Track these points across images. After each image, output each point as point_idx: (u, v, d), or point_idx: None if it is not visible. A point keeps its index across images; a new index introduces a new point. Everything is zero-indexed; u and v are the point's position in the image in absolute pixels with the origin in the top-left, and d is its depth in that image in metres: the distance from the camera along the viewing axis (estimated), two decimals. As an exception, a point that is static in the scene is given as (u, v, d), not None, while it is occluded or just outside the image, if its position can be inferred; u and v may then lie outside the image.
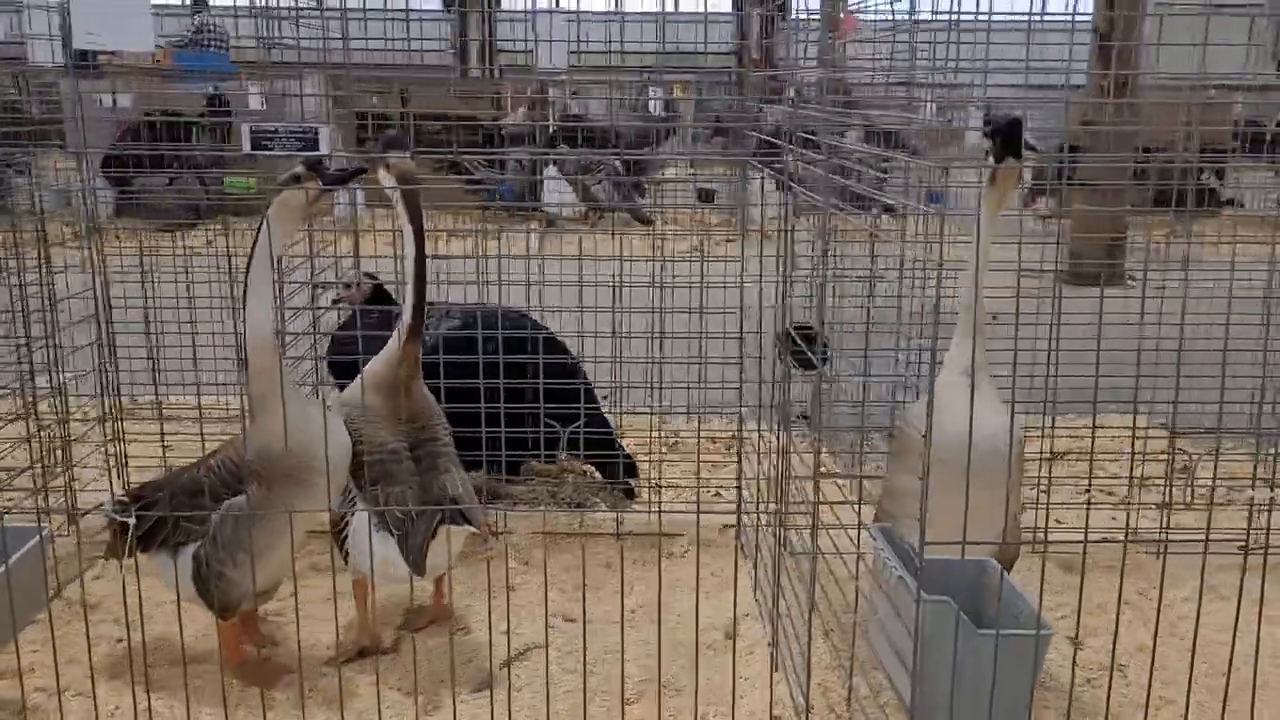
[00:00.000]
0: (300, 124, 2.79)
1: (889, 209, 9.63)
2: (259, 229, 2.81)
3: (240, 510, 2.87)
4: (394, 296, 4.08)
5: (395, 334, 3.25)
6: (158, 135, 7.72)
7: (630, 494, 4.34)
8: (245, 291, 2.83)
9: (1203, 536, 2.47)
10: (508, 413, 3.61)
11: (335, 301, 4.17)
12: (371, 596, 3.30)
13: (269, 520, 2.86)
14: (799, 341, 4.58)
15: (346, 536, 3.17)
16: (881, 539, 2.64)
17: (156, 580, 3.06)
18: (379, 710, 2.80)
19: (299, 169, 2.85)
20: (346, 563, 3.22)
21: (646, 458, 4.43)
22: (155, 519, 2.94)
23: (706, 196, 9.98)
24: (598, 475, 4.47)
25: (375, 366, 3.28)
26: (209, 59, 13.19)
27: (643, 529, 4.05)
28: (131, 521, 2.95)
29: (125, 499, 3.04)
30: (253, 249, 2.83)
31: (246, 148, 2.81)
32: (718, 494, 4.32)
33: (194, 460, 3.13)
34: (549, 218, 9.67)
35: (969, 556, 2.57)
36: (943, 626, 2.37)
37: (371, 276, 4.16)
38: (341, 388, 4.24)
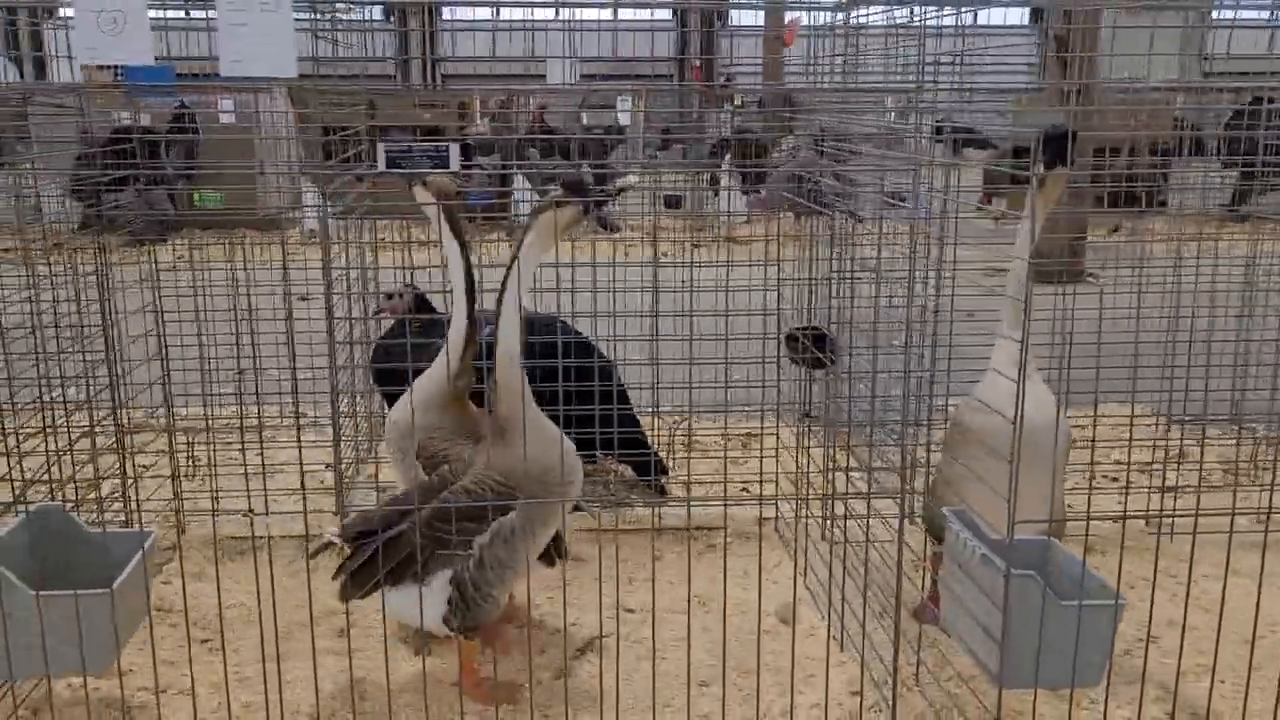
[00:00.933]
0: (433, 143, 2.94)
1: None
2: (516, 249, 2.88)
3: (512, 528, 2.89)
4: (435, 307, 4.23)
5: (446, 350, 3.30)
6: (123, 152, 7.68)
7: (662, 491, 4.53)
8: (499, 312, 2.87)
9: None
10: (551, 416, 3.78)
11: (377, 312, 4.29)
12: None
13: (533, 538, 2.95)
14: (806, 343, 4.82)
15: None
16: (958, 521, 2.84)
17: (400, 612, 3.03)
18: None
19: (560, 191, 2.90)
20: None
21: (687, 454, 4.62)
22: (406, 553, 2.85)
23: (673, 203, 10.18)
24: (628, 474, 4.65)
25: (431, 386, 3.34)
26: (157, 72, 13.07)
27: (682, 523, 4.24)
28: (337, 542, 2.93)
29: (355, 533, 2.95)
30: (509, 268, 2.88)
31: (382, 165, 2.95)
32: (745, 489, 4.51)
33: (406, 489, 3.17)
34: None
35: (1025, 535, 2.81)
36: (1029, 600, 2.57)
37: (413, 287, 4.29)
38: (386, 395, 4.37)
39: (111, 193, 3.98)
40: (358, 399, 4.58)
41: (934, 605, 3.50)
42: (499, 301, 2.88)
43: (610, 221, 10.76)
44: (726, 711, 2.97)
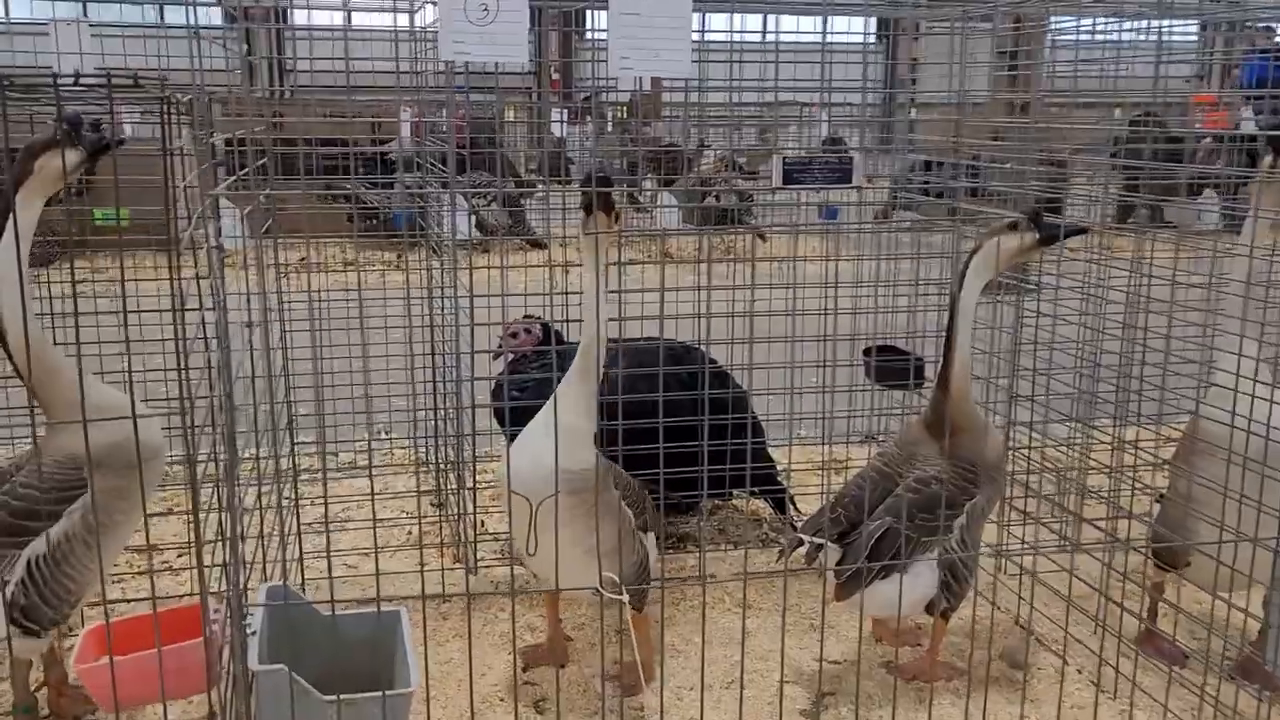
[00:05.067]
0: (835, 157, 2.66)
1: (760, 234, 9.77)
2: (960, 274, 3.03)
3: (981, 510, 3.16)
4: (563, 338, 3.91)
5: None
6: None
7: (794, 527, 4.32)
8: (951, 335, 3.10)
9: None
10: (692, 451, 3.55)
11: (498, 352, 3.92)
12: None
13: (986, 519, 3.28)
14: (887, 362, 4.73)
15: None
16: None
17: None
18: None
19: (1017, 217, 3.03)
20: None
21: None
22: (887, 538, 3.01)
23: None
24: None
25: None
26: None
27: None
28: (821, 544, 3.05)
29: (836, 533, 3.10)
30: (955, 295, 3.08)
31: (778, 181, 2.65)
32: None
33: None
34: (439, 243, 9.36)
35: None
36: None
37: (537, 318, 3.95)
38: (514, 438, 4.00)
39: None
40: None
41: (1158, 639, 3.42)
42: (950, 326, 3.10)
43: (536, 238, 10.45)
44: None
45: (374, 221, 9.90)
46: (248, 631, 2.27)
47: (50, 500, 2.64)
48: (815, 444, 4.77)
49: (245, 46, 3.41)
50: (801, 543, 3.09)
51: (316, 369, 3.55)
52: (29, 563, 2.64)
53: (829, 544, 3.04)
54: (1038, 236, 3.05)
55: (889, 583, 3.03)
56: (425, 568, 3.90)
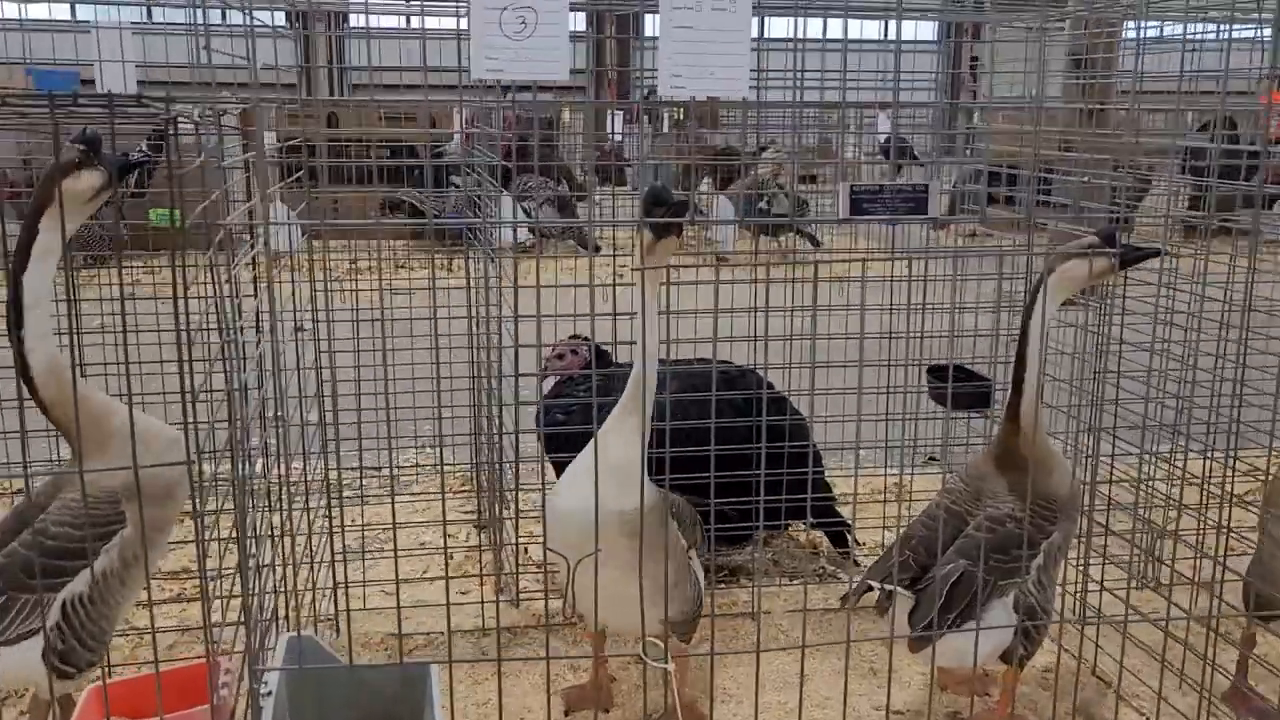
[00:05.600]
0: (910, 183, 2.47)
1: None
2: (1037, 298, 2.79)
3: (1059, 546, 2.93)
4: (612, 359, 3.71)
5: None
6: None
7: (857, 564, 4.09)
8: (1021, 366, 2.84)
9: None
10: (746, 480, 3.33)
11: (545, 371, 3.73)
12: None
13: (1065, 555, 3.07)
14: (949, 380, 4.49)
15: None
16: None
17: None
18: None
19: (1092, 238, 2.80)
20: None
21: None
22: (962, 583, 2.76)
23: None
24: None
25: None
26: (62, 80, 12.02)
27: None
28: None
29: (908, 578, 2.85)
30: (1026, 320, 2.83)
31: (844, 212, 2.45)
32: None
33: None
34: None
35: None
36: None
37: (586, 339, 3.76)
38: (557, 464, 3.81)
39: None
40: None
41: (1249, 696, 3.16)
42: (1021, 352, 2.84)
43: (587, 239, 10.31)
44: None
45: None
46: (262, 694, 2.10)
47: (88, 539, 2.47)
48: (870, 473, 4.54)
49: (252, 48, 3.25)
50: (869, 589, 2.86)
51: (334, 390, 3.39)
52: (65, 605, 2.47)
53: (899, 590, 2.79)
54: (1118, 258, 2.79)
55: (965, 631, 2.78)
56: (465, 598, 3.75)
